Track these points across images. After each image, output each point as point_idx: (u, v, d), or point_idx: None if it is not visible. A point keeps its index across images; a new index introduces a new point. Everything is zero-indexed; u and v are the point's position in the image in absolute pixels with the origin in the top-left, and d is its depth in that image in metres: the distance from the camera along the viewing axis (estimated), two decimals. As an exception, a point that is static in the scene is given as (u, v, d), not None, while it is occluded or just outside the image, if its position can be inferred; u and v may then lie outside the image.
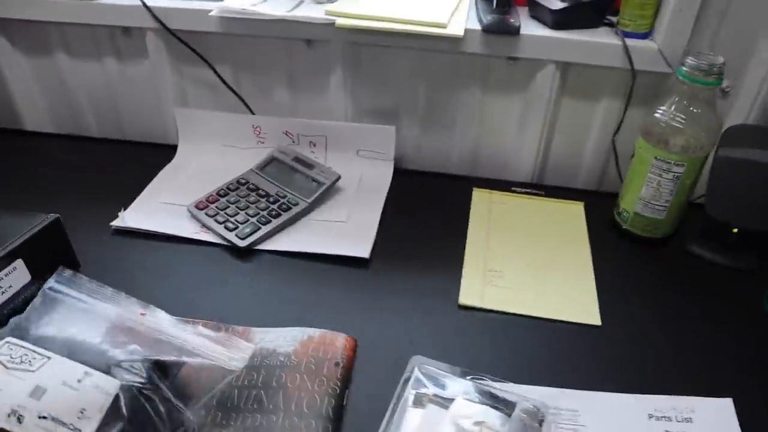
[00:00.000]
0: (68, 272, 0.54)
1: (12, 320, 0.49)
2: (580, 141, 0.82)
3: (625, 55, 0.72)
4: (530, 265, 0.71)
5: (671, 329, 0.64)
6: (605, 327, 0.63)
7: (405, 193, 0.82)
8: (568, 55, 0.74)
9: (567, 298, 0.66)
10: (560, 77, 0.76)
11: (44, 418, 0.39)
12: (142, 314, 0.51)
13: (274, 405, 0.53)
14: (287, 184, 0.79)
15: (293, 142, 0.86)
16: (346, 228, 0.74)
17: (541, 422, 0.49)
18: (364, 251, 0.70)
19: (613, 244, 0.75)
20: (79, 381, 0.41)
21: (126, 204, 0.78)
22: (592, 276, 0.70)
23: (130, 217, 0.75)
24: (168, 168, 0.86)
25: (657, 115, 0.68)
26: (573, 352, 0.61)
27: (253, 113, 0.87)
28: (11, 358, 0.42)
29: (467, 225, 0.77)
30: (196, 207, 0.76)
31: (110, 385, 0.43)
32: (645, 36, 0.73)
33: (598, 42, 0.73)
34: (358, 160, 0.84)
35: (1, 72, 0.92)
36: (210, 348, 0.50)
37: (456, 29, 0.72)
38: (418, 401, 0.51)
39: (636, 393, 0.56)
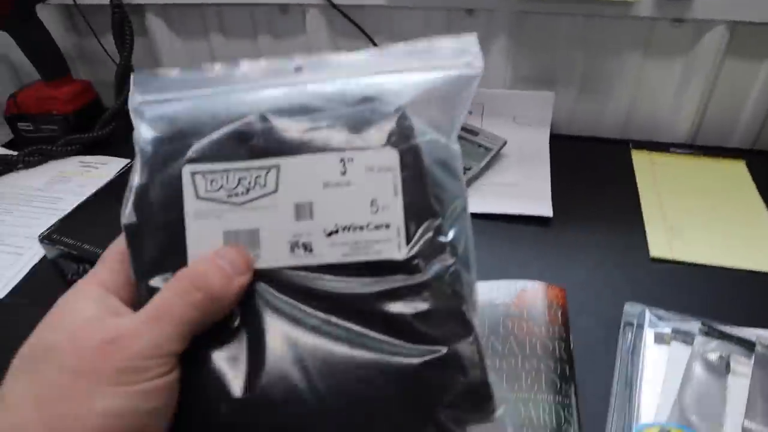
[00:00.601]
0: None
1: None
2: (740, 100, 0.83)
3: (802, 11, 0.73)
4: (709, 220, 0.73)
5: None
6: (800, 275, 0.65)
7: (562, 156, 0.84)
8: (742, 13, 0.74)
9: (755, 248, 0.68)
10: (729, 37, 0.77)
11: (335, 233, 0.28)
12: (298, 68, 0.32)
13: (508, 350, 0.57)
14: (454, 150, 0.82)
15: (448, 111, 0.88)
16: (520, 190, 0.77)
17: (780, 358, 0.52)
18: (546, 210, 0.73)
19: (783, 200, 0.76)
20: (342, 173, 0.29)
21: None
22: (773, 229, 0.71)
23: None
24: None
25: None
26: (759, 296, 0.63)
27: (410, 84, 0.89)
28: (231, 190, 0.29)
29: (633, 184, 0.79)
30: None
31: (385, 159, 0.29)
32: (818, -8, 0.74)
33: (772, -1, 0.73)
34: (514, 126, 0.87)
35: (158, 54, 0.97)
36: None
37: (632, -8, 0.74)
38: (660, 339, 0.53)
39: None
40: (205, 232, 0.30)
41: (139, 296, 0.30)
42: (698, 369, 0.51)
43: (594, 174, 0.82)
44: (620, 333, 0.59)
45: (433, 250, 0.29)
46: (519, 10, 0.79)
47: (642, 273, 0.67)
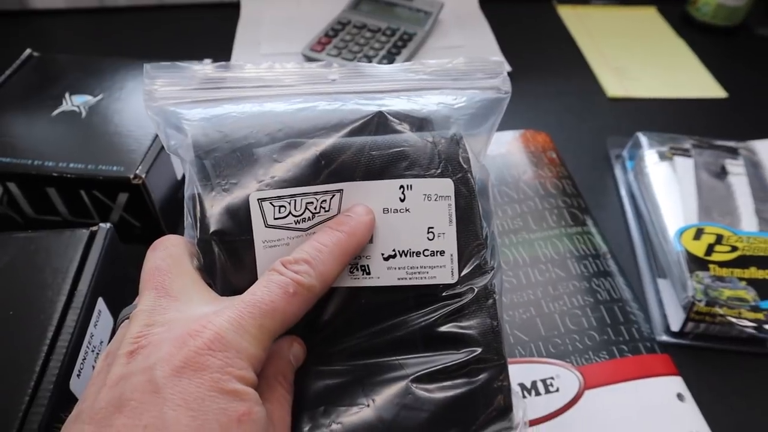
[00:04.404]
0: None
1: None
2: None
3: None
4: (647, 60, 0.76)
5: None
6: (730, 99, 0.72)
7: (492, 17, 0.83)
8: None
9: (690, 79, 0.74)
10: None
11: (392, 257, 0.29)
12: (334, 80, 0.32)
13: (523, 194, 0.56)
14: (393, 19, 0.76)
15: (370, -20, 0.82)
16: (469, 51, 0.75)
17: None
18: (506, 66, 0.72)
19: (693, 37, 0.82)
20: (402, 199, 0.29)
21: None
22: (697, 60, 0.77)
23: (247, 69, 0.69)
24: (242, 27, 0.79)
25: None
26: (713, 118, 0.69)
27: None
28: (298, 215, 0.29)
29: (568, 36, 0.80)
30: (312, 50, 0.72)
31: (442, 187, 0.30)
32: None
33: None
34: (442, -9, 0.83)
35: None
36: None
37: None
38: (662, 156, 0.56)
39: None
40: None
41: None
42: (704, 176, 0.54)
43: (530, 30, 0.82)
44: (614, 164, 0.61)
45: (479, 275, 0.30)
46: None
47: (605, 112, 0.69)
